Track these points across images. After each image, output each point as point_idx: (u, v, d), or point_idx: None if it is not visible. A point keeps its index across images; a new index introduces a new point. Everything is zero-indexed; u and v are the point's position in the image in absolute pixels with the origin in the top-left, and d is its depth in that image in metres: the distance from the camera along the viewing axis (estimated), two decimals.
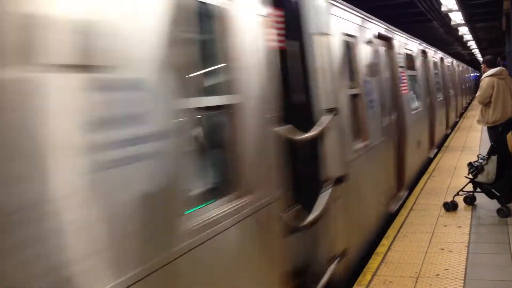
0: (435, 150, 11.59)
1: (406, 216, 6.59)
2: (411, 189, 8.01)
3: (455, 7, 13.03)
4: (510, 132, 6.33)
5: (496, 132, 7.05)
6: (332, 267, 3.94)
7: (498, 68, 8.18)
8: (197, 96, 2.53)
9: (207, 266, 2.44)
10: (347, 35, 5.21)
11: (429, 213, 6.65)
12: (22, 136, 1.55)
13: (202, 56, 2.67)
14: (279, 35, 3.45)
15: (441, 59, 14.86)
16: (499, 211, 6.31)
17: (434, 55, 13.29)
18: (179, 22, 2.32)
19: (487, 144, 7.12)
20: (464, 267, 4.74)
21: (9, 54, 1.53)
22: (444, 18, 16.46)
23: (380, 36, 6.81)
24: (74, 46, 1.74)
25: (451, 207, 6.71)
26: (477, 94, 8.34)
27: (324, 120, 3.99)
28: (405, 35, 9.06)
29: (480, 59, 37.85)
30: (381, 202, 6.21)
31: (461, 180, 7.14)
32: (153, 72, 2.12)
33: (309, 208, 3.70)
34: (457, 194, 6.81)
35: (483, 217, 6.41)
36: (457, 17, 15.85)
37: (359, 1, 6.65)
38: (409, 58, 9.20)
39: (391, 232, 5.99)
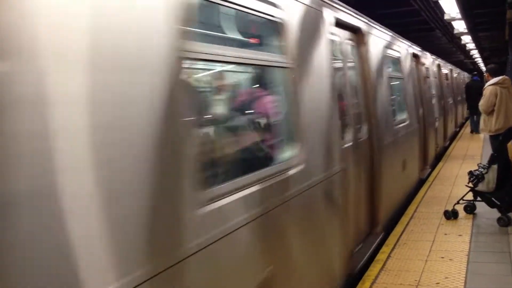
0: (429, 170, 10.16)
1: (407, 224, 6.58)
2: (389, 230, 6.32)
3: (459, 15, 13.04)
4: (511, 141, 6.33)
5: (498, 141, 7.05)
6: None
7: (501, 77, 8.18)
8: None
9: None
10: None
11: (430, 222, 6.65)
12: None
13: None
14: None
15: (438, 65, 14.02)
16: (499, 220, 6.31)
17: (428, 60, 12.00)
18: None
19: (488, 153, 7.12)
20: (464, 276, 4.74)
21: None
22: (447, 26, 16.49)
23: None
24: None
25: (451, 215, 6.71)
26: (480, 103, 8.33)
27: None
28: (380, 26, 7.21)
29: (483, 68, 37.91)
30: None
31: (462, 188, 7.14)
32: None
33: None
34: (458, 202, 6.80)
35: (483, 226, 6.41)
36: (460, 26, 15.88)
37: (363, 8, 6.66)
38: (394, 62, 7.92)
39: (391, 239, 5.98)
